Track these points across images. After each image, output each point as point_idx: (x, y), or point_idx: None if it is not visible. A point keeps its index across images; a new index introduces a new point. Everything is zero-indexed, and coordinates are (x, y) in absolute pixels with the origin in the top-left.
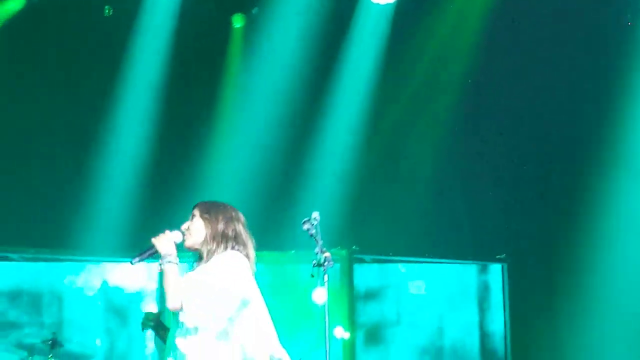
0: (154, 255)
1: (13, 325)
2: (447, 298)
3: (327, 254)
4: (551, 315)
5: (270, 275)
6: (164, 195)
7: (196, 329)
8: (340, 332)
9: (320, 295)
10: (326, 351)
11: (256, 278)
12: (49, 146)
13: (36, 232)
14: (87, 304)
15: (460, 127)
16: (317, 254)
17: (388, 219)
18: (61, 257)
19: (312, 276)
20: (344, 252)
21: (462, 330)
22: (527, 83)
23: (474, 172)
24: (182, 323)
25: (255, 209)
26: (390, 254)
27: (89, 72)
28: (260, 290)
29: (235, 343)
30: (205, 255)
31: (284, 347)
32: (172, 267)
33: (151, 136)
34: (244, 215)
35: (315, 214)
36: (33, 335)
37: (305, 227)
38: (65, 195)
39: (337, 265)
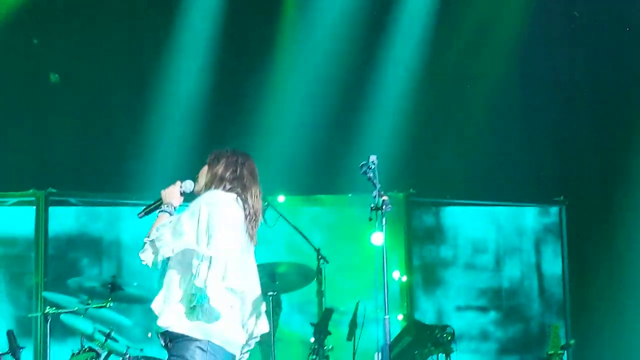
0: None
1: (73, 269)
2: (505, 240)
3: (385, 198)
4: (610, 257)
5: (328, 218)
6: (220, 142)
7: (167, 264)
8: (398, 275)
9: (378, 238)
10: (384, 294)
11: (315, 220)
12: (108, 91)
13: (95, 177)
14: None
15: (517, 68)
16: (374, 197)
17: (445, 162)
18: (120, 201)
19: (370, 220)
20: (401, 195)
21: (521, 272)
22: (582, 29)
23: (532, 113)
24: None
25: (313, 154)
26: (448, 196)
27: (148, 22)
28: (320, 233)
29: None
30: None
31: (343, 291)
32: (163, 215)
33: (208, 85)
34: (305, 160)
35: (373, 158)
36: (93, 279)
37: (363, 171)
38: (124, 140)
39: (395, 208)
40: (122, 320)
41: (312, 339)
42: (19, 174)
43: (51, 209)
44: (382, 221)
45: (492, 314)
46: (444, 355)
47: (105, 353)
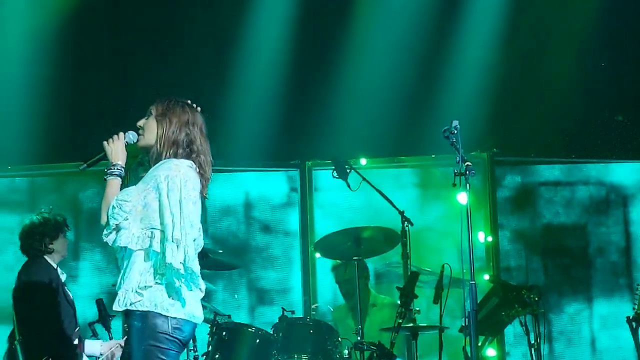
0: (105, 159)
1: None
2: (590, 200)
3: (469, 163)
4: None
5: (412, 180)
6: (302, 107)
7: (116, 244)
8: (483, 236)
9: (463, 197)
10: (470, 257)
11: (398, 183)
12: (193, 55)
13: None
14: (230, 215)
15: (602, 23)
16: (458, 163)
17: (529, 120)
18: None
19: (454, 185)
20: (484, 155)
21: (609, 229)
22: None
23: (620, 68)
24: (105, 239)
25: (394, 116)
26: (532, 155)
27: None
28: (404, 195)
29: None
30: (152, 158)
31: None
32: (114, 182)
33: (291, 47)
34: (386, 122)
35: (455, 123)
36: None
37: (446, 135)
38: (208, 105)
39: (478, 168)
40: (209, 287)
41: (398, 303)
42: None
43: None
44: (466, 186)
45: (580, 272)
46: (531, 316)
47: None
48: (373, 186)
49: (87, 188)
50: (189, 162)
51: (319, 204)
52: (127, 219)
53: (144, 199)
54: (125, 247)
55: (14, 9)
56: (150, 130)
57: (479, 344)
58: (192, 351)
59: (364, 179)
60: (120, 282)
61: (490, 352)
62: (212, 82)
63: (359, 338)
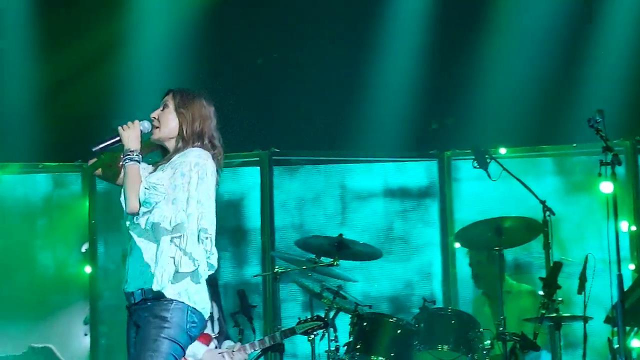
0: (118, 145)
1: (296, 228)
2: None
3: (615, 154)
4: None
5: (553, 169)
6: (439, 97)
7: (152, 229)
8: (627, 225)
9: (607, 186)
10: (616, 247)
11: (539, 172)
12: (327, 51)
13: (314, 134)
14: (369, 205)
15: None
16: (603, 152)
17: None
18: (342, 158)
19: (600, 175)
20: (627, 143)
21: None
22: None
23: None
24: (138, 225)
25: (534, 105)
26: None
27: None
28: (545, 185)
29: (186, 244)
30: (173, 150)
31: (571, 243)
32: (134, 167)
33: (430, 40)
34: (526, 111)
35: (600, 111)
36: (320, 237)
37: (590, 124)
38: (343, 97)
39: (622, 156)
40: (350, 278)
41: (541, 293)
42: (244, 135)
43: (276, 169)
44: (612, 176)
45: None
46: None
47: (334, 311)
48: (514, 176)
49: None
50: (210, 154)
51: (458, 194)
52: (159, 204)
53: (174, 182)
54: (143, 234)
55: (154, 3)
56: (167, 124)
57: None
58: (334, 341)
59: (504, 168)
60: (143, 264)
61: (635, 343)
62: (351, 72)
63: (500, 329)
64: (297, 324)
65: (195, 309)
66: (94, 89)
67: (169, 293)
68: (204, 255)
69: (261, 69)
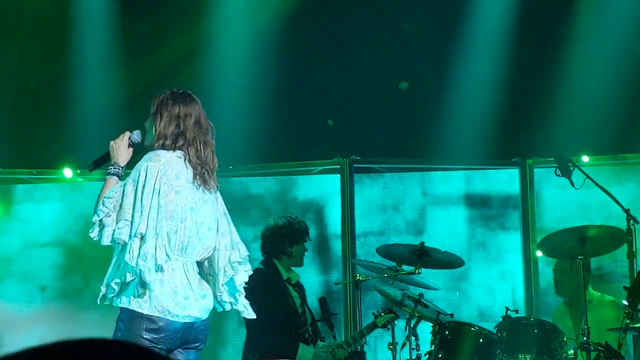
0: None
1: (376, 235)
2: None
3: None
4: None
5: (635, 177)
6: (524, 103)
7: (101, 241)
8: None
9: None
10: None
11: (621, 180)
12: (406, 59)
13: (395, 142)
14: (450, 213)
15: None
16: None
17: None
18: (424, 166)
19: None
20: None
21: None
22: None
23: None
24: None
25: (619, 111)
26: None
27: None
28: (628, 193)
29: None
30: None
31: None
32: (110, 180)
33: (511, 46)
34: (608, 118)
35: None
36: (401, 246)
37: None
38: (424, 104)
39: None
40: (431, 286)
41: (625, 303)
42: (324, 142)
43: (356, 176)
44: None
45: None
46: None
47: (416, 319)
48: (597, 184)
49: (298, 187)
50: (177, 153)
51: (540, 202)
52: (110, 215)
53: (124, 191)
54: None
55: (235, 9)
56: (148, 129)
57: None
58: (415, 350)
59: (587, 176)
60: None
61: None
62: (431, 80)
63: (584, 338)
64: (375, 318)
65: (146, 314)
66: None
67: (121, 303)
68: (149, 259)
69: (341, 77)
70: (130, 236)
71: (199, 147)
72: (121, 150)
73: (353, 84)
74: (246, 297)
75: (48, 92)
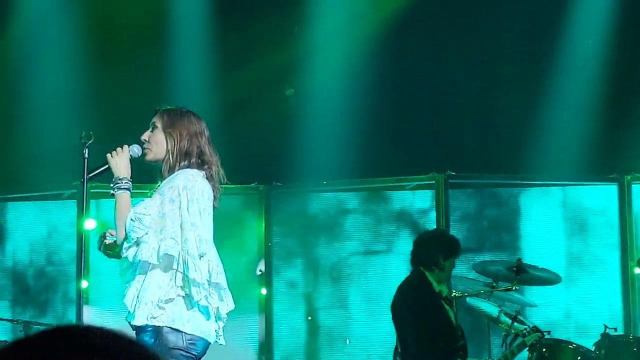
0: (108, 171)
1: (471, 251)
2: None
3: None
4: None
5: None
6: (621, 118)
7: (140, 263)
8: None
9: None
10: None
11: None
12: (501, 72)
13: (493, 158)
14: (547, 230)
15: None
16: None
17: None
18: (519, 182)
19: None
20: None
21: None
22: None
23: None
24: (125, 254)
25: None
26: None
27: None
28: None
29: (178, 269)
30: (165, 172)
31: None
32: (123, 196)
33: (609, 60)
34: None
35: None
36: (497, 262)
37: None
38: (519, 119)
39: None
40: (528, 302)
41: None
42: (419, 157)
43: (450, 192)
44: None
45: None
46: None
47: (512, 336)
48: None
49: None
50: (202, 173)
51: (639, 219)
52: (148, 233)
53: (162, 210)
54: (132, 266)
55: (335, 23)
56: (159, 144)
57: None
58: None
59: None
60: (136, 295)
61: None
62: (526, 93)
63: None
64: (523, 337)
65: (187, 333)
66: (271, 110)
67: (159, 321)
68: (202, 279)
69: (437, 92)
70: (182, 256)
71: (216, 169)
72: (124, 165)
73: (449, 98)
74: (398, 307)
75: (144, 107)
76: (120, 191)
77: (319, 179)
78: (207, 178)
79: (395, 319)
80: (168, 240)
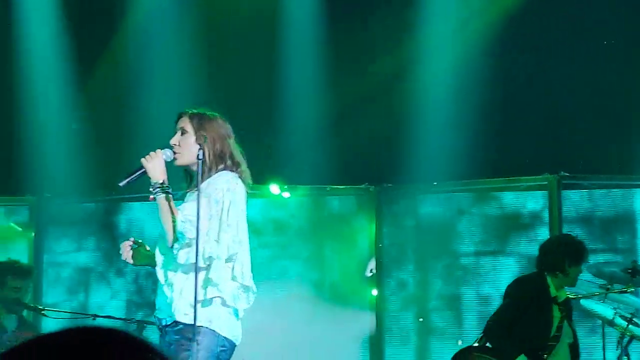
0: (143, 176)
1: (589, 252)
2: None
3: None
4: None
5: None
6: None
7: (188, 260)
8: None
9: None
10: None
11: None
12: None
13: (605, 158)
14: None
15: None
16: None
17: None
18: (631, 183)
19: None
20: None
21: None
22: None
23: None
24: (174, 258)
25: None
26: None
27: None
28: None
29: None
30: (200, 175)
31: None
32: (166, 199)
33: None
34: None
35: None
36: (612, 264)
37: None
38: (629, 121)
39: None
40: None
41: None
42: (531, 158)
43: (563, 192)
44: None
45: None
46: None
47: (628, 338)
48: None
49: (504, 203)
50: (237, 175)
51: None
52: (193, 236)
53: (210, 212)
54: (176, 267)
55: (443, 28)
56: (189, 148)
57: None
58: None
59: None
60: (172, 295)
61: None
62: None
63: None
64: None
65: (223, 336)
66: (382, 111)
67: (197, 321)
68: (234, 280)
69: (549, 91)
70: (220, 256)
71: (244, 167)
72: (161, 169)
73: (562, 98)
74: (509, 289)
75: (256, 108)
76: (163, 194)
77: (429, 180)
78: (240, 179)
79: (503, 299)
80: (212, 242)
